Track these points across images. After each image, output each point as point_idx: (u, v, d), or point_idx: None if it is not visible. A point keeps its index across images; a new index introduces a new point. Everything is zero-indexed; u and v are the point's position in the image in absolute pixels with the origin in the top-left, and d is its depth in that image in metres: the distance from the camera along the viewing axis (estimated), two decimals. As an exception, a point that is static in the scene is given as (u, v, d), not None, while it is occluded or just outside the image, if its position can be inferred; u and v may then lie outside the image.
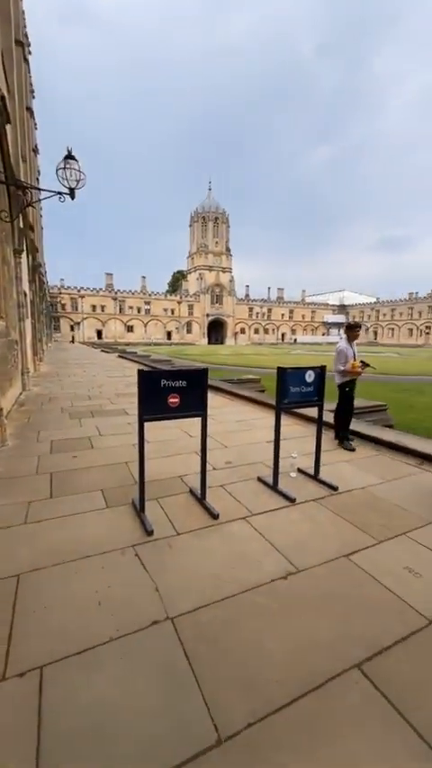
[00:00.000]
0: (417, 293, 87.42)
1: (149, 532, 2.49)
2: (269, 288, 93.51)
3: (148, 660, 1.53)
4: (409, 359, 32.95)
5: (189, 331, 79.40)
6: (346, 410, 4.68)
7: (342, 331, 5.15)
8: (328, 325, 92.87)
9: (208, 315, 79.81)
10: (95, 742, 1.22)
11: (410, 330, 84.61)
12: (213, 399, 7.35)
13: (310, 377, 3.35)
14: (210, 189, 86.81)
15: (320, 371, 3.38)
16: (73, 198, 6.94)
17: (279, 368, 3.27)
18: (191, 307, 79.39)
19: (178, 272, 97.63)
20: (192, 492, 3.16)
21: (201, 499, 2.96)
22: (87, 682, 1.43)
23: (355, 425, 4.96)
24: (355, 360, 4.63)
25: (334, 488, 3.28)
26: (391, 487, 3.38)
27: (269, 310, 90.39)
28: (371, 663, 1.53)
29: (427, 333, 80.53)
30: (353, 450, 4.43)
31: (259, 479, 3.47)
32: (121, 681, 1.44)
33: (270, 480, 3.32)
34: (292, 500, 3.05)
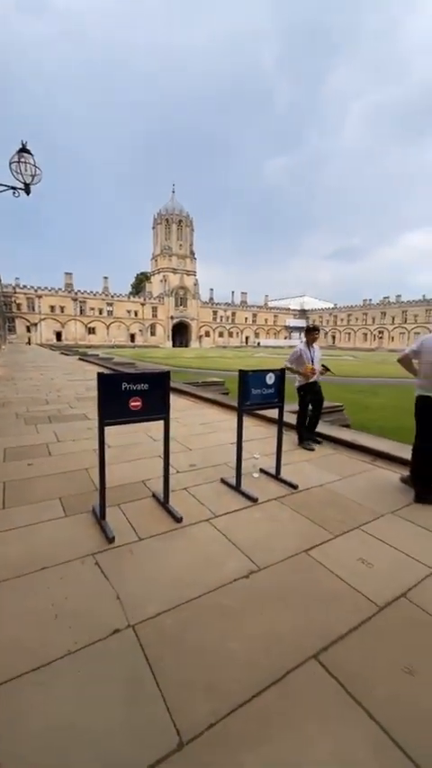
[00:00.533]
0: (370, 300, 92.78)
1: (110, 539, 2.42)
2: (233, 292, 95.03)
3: (108, 671, 1.50)
4: (364, 362, 34.84)
5: (153, 333, 78.46)
6: (301, 413, 4.86)
7: (302, 334, 5.34)
8: (290, 329, 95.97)
9: (172, 317, 79.39)
10: (52, 766, 1.17)
11: (365, 335, 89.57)
12: (177, 402, 7.31)
13: (270, 379, 3.45)
14: (173, 192, 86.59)
15: (280, 374, 3.49)
16: (28, 194, 6.64)
17: (240, 371, 3.34)
18: (155, 309, 78.54)
19: (141, 273, 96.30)
20: (155, 496, 3.12)
21: (164, 503, 2.94)
22: (43, 700, 1.37)
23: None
24: (312, 363, 4.81)
25: (294, 487, 3.39)
26: (347, 484, 3.55)
27: (233, 314, 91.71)
28: (327, 652, 1.60)
29: (380, 337, 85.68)
30: (312, 449, 4.61)
31: (222, 481, 3.51)
32: (79, 696, 1.39)
33: (233, 481, 3.37)
34: (254, 500, 3.11)
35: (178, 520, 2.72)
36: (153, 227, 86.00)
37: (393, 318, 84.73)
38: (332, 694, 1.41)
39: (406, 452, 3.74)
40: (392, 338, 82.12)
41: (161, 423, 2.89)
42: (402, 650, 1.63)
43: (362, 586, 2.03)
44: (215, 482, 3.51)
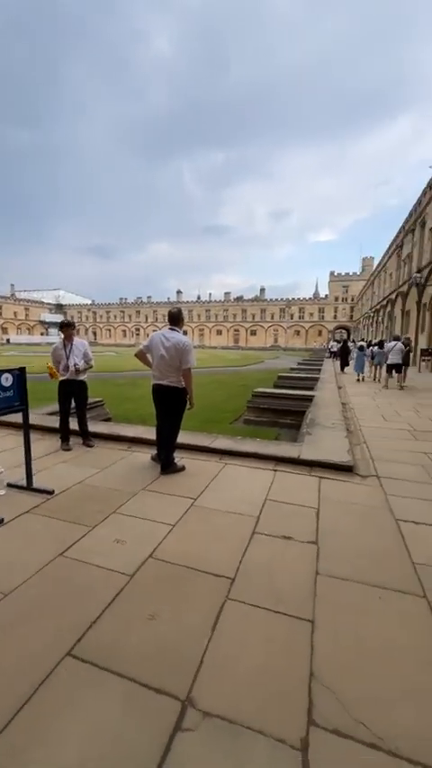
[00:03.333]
0: (126, 299, 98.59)
1: None
2: (-37, 276, 75.96)
3: None
4: (125, 357, 36.85)
5: None
6: (60, 412, 4.65)
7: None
8: (46, 325, 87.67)
9: None
10: None
11: (124, 331, 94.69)
12: None
13: (7, 381, 3.03)
14: None
15: (19, 373, 3.13)
16: None
17: (-36, 373, 2.75)
18: None
19: None
20: None
21: None
22: None
23: (73, 424, 4.99)
24: (68, 359, 4.60)
25: (50, 492, 3.18)
26: (105, 474, 3.68)
27: (-33, 304, 73.71)
28: (80, 643, 1.63)
29: (137, 334, 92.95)
30: (69, 449, 4.46)
31: None
32: None
33: (-32, 508, 2.77)
34: (-1, 521, 2.69)
35: None
36: None
37: (147, 317, 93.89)
38: (86, 677, 1.46)
39: (155, 434, 4.27)
40: (147, 335, 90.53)
41: None
42: (148, 603, 1.88)
43: (116, 564, 2.18)
44: None
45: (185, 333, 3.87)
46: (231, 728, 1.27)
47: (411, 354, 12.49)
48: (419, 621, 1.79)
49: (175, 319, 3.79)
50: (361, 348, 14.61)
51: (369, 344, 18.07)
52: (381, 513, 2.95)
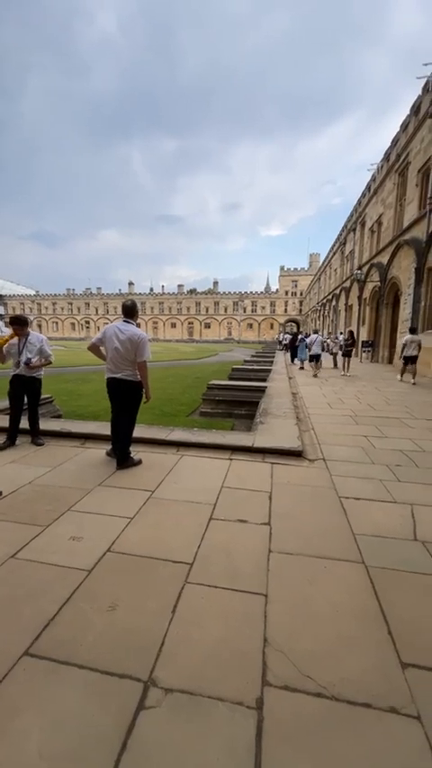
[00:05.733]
0: (74, 290, 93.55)
1: None
2: None
3: None
4: (76, 351, 35.14)
5: None
6: (11, 409, 4.42)
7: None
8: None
9: None
10: None
11: (73, 324, 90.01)
12: None
13: None
14: None
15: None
16: None
17: None
18: None
19: None
20: None
21: None
22: None
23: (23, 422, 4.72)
24: (20, 354, 4.34)
25: (-3, 495, 3.02)
26: (57, 472, 3.56)
27: None
28: (38, 640, 1.61)
29: (88, 327, 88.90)
30: (3, 448, 4.24)
31: None
32: None
33: None
34: None
35: None
36: None
37: (97, 309, 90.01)
38: (45, 673, 1.45)
39: (110, 429, 4.19)
40: (98, 328, 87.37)
41: None
42: (108, 595, 1.89)
43: (72, 561, 2.16)
44: None
45: (139, 325, 3.83)
46: (192, 699, 1.35)
47: (353, 348, 13.79)
48: (358, 584, 2.01)
49: (130, 312, 3.74)
50: (302, 340, 16.65)
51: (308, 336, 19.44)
52: (326, 492, 3.20)
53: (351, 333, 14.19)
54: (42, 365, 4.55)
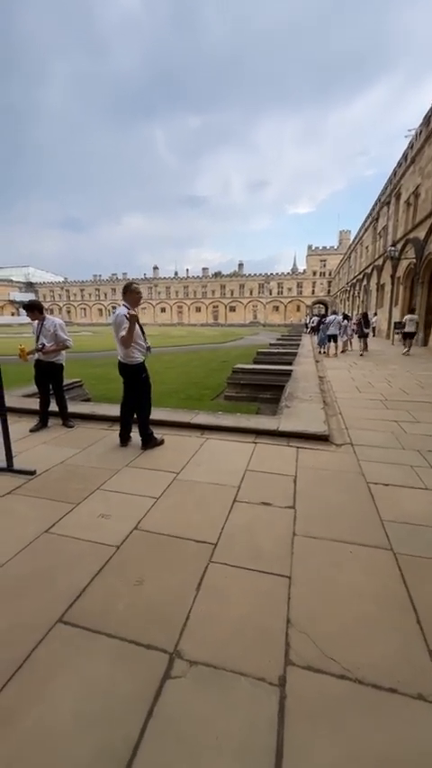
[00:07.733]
0: (100, 276, 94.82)
1: None
2: None
3: None
4: (103, 336, 35.94)
5: None
6: (40, 394, 4.63)
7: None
8: (17, 304, 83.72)
9: None
10: None
11: (100, 310, 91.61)
12: None
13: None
14: None
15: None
16: None
17: None
18: None
19: None
20: None
21: None
22: None
23: (53, 405, 4.92)
24: (38, 340, 4.49)
25: (31, 473, 3.18)
26: (87, 453, 3.70)
27: None
28: (71, 609, 1.70)
29: (114, 313, 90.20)
30: (37, 430, 4.45)
31: None
32: None
33: None
34: (-20, 503, 2.68)
35: None
36: None
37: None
38: (78, 640, 1.54)
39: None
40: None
41: None
42: (135, 570, 1.97)
43: (102, 537, 2.25)
44: None
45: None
46: (216, 673, 1.39)
47: (375, 328, 14.69)
48: (385, 570, 1.97)
49: (123, 292, 3.80)
50: (320, 322, 16.66)
51: (345, 317, 18.63)
52: (353, 477, 3.13)
53: (365, 315, 14.67)
54: (57, 350, 4.54)
